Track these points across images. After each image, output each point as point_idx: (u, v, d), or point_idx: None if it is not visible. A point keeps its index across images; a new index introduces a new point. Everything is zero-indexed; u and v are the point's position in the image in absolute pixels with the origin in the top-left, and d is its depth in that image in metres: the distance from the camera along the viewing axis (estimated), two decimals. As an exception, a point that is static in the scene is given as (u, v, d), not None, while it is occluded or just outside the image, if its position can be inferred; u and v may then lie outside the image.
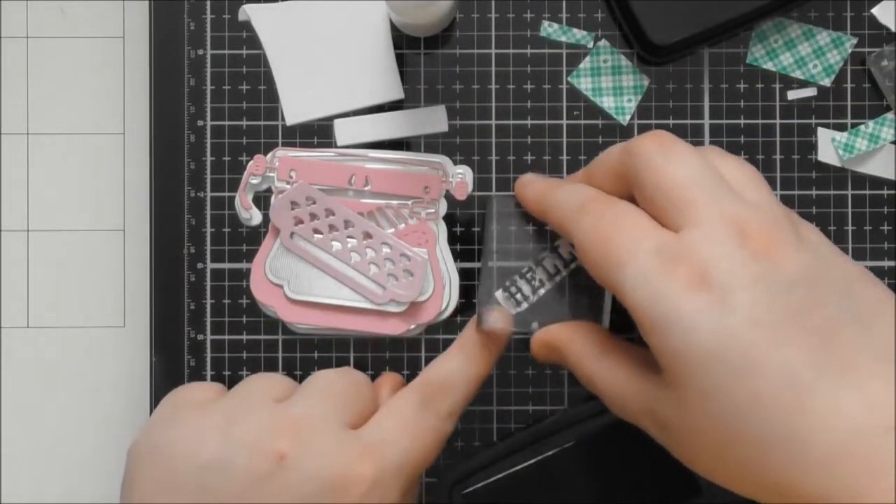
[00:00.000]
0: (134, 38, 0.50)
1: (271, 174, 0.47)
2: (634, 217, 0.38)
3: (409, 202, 0.48)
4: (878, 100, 0.49)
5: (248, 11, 0.48)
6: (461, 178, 0.47)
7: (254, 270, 0.47)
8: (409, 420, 0.42)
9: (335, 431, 0.41)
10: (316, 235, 0.47)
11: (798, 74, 0.49)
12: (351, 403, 0.43)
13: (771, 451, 0.34)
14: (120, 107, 0.50)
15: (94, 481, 0.50)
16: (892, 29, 0.49)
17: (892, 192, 0.49)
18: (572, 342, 0.42)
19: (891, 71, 0.48)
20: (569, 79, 0.49)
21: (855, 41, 0.49)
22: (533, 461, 0.45)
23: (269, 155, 0.48)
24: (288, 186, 0.47)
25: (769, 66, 0.49)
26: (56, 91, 0.50)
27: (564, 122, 0.49)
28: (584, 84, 0.49)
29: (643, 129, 0.49)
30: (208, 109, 0.49)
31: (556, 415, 0.47)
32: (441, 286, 0.47)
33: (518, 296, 0.48)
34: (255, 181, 0.48)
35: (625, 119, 0.49)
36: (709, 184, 0.38)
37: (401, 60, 0.49)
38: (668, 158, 0.38)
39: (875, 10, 0.49)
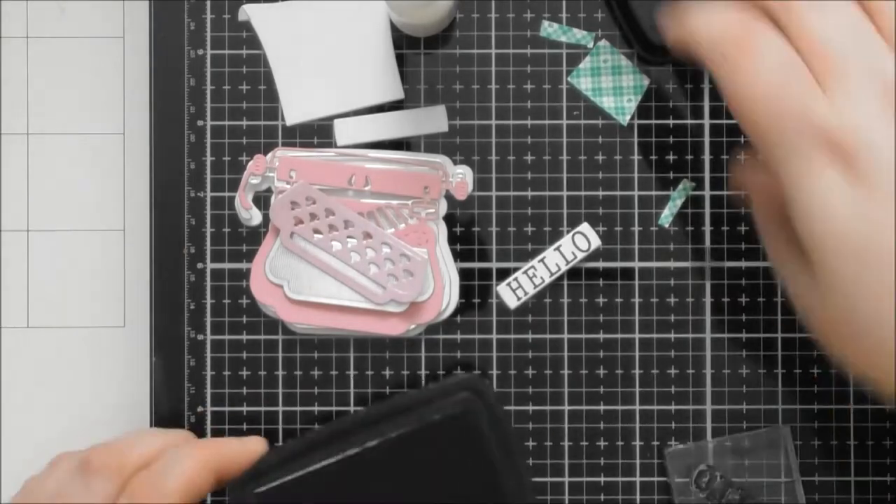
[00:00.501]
0: (134, 38, 0.50)
1: (271, 174, 0.47)
2: (797, 75, 0.35)
3: (409, 202, 0.48)
4: (878, 100, 0.49)
5: (248, 11, 0.48)
6: (461, 178, 0.47)
7: (254, 270, 0.47)
8: None
9: None
10: (316, 235, 0.47)
11: None
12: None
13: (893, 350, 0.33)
14: (120, 107, 0.50)
15: (94, 481, 0.50)
16: (892, 29, 0.49)
17: (892, 192, 0.49)
18: (758, 194, 0.41)
19: (891, 71, 0.48)
20: (569, 79, 0.49)
21: None
22: (333, 460, 0.42)
23: (269, 155, 0.48)
24: (288, 186, 0.47)
25: None
26: (56, 91, 0.50)
27: (564, 122, 0.49)
28: (584, 84, 0.49)
29: (643, 129, 0.49)
30: (208, 109, 0.49)
31: (359, 412, 0.45)
32: (441, 286, 0.47)
33: (519, 291, 0.48)
34: (255, 181, 0.48)
35: (625, 119, 0.49)
36: (861, 44, 0.35)
37: (401, 60, 0.49)
38: (815, 8, 0.35)
39: (875, 10, 0.49)
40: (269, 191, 0.48)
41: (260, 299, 0.47)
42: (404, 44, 0.49)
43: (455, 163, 0.49)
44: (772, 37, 0.36)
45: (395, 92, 0.49)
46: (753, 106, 0.35)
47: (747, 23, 0.36)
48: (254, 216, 0.48)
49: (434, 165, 0.47)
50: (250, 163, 0.47)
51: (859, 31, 0.35)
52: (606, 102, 0.49)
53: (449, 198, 0.48)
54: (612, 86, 0.49)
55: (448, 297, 0.47)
